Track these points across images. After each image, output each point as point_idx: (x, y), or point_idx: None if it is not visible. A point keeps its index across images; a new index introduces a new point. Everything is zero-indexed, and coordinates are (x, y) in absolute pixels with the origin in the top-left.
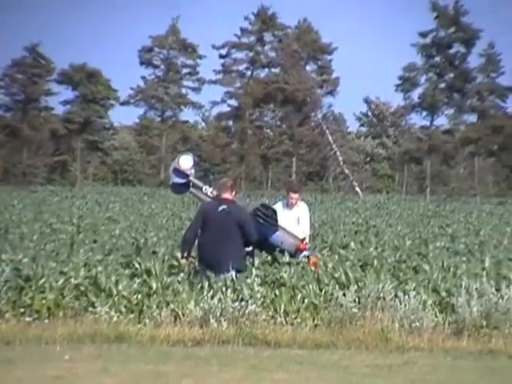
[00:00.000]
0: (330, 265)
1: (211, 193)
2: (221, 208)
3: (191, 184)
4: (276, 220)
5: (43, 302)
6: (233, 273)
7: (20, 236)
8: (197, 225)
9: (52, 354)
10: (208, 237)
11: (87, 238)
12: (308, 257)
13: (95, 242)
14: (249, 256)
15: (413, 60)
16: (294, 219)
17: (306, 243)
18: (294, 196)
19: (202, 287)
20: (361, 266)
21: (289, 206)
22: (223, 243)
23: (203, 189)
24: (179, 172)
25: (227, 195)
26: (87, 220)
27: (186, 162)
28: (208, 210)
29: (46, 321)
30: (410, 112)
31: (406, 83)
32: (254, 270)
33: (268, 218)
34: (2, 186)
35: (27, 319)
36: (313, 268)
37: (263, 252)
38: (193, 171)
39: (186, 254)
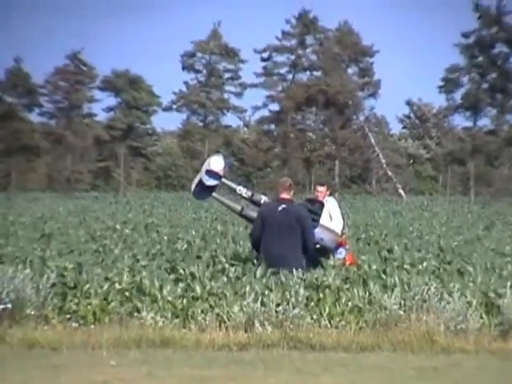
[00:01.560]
0: (374, 267)
1: (246, 193)
2: (280, 208)
3: (217, 188)
4: (320, 215)
5: (89, 307)
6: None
7: (65, 242)
8: (259, 226)
9: (98, 359)
10: (270, 237)
11: (131, 244)
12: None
13: (141, 247)
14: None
15: (454, 61)
16: (326, 215)
17: (345, 238)
18: (320, 189)
19: (245, 291)
20: (405, 268)
21: None
22: (285, 242)
23: (237, 189)
24: (211, 173)
25: (285, 195)
26: (131, 226)
27: (217, 162)
28: (267, 212)
29: (92, 326)
30: (453, 113)
31: (449, 84)
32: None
33: (312, 214)
34: (47, 193)
35: (73, 325)
36: (351, 265)
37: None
38: (222, 172)
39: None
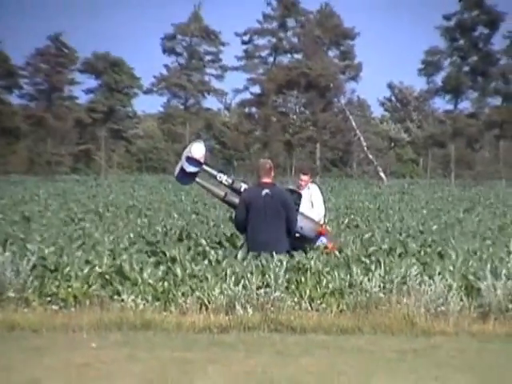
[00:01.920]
0: (354, 250)
1: (226, 181)
2: (264, 193)
3: (200, 173)
4: (299, 205)
5: (69, 290)
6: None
7: (45, 225)
8: (242, 212)
9: (79, 341)
10: (256, 222)
11: (111, 227)
12: (325, 245)
13: (120, 230)
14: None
15: (436, 44)
16: (307, 202)
17: (324, 227)
18: (304, 178)
19: (225, 274)
20: (385, 251)
21: (299, 188)
22: (272, 227)
23: (217, 176)
24: (192, 160)
25: (267, 179)
26: (112, 208)
27: (198, 149)
28: (251, 197)
29: (73, 309)
30: (434, 96)
31: (430, 67)
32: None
33: None
34: (28, 176)
35: (54, 307)
36: (333, 249)
37: None
38: (203, 160)
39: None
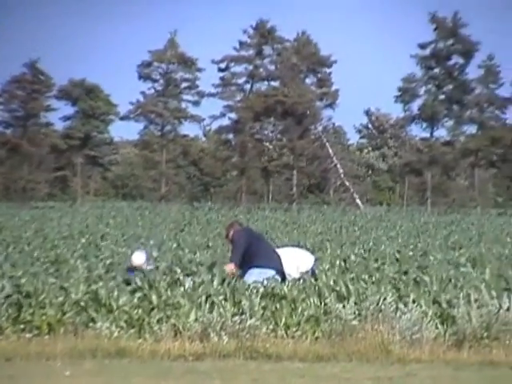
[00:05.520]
0: (330, 277)
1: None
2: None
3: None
4: None
5: (43, 317)
6: None
7: (20, 252)
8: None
9: (53, 369)
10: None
11: (87, 254)
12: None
13: (96, 257)
14: None
15: (412, 71)
16: None
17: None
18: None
19: (200, 302)
20: (361, 278)
21: None
22: None
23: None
24: (133, 269)
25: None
26: (87, 236)
27: (138, 258)
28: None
29: (47, 337)
30: (410, 123)
31: (406, 94)
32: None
33: None
34: (3, 202)
35: (28, 335)
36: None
37: None
38: (145, 265)
39: None
